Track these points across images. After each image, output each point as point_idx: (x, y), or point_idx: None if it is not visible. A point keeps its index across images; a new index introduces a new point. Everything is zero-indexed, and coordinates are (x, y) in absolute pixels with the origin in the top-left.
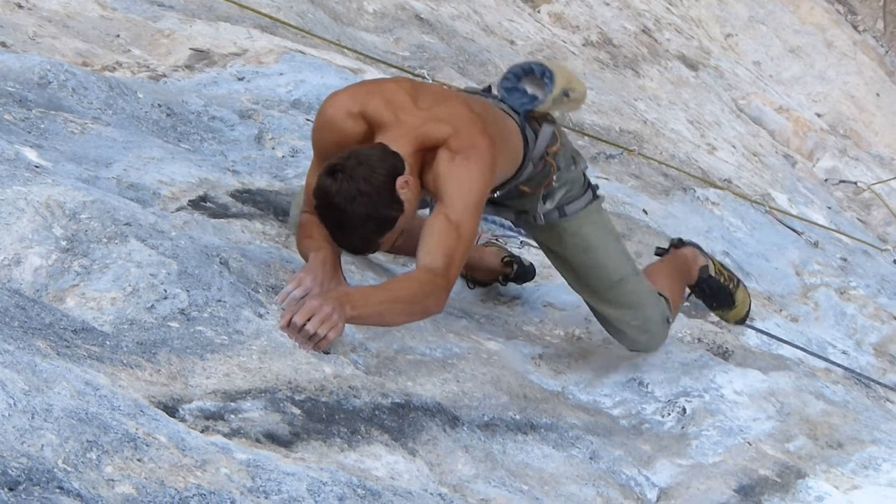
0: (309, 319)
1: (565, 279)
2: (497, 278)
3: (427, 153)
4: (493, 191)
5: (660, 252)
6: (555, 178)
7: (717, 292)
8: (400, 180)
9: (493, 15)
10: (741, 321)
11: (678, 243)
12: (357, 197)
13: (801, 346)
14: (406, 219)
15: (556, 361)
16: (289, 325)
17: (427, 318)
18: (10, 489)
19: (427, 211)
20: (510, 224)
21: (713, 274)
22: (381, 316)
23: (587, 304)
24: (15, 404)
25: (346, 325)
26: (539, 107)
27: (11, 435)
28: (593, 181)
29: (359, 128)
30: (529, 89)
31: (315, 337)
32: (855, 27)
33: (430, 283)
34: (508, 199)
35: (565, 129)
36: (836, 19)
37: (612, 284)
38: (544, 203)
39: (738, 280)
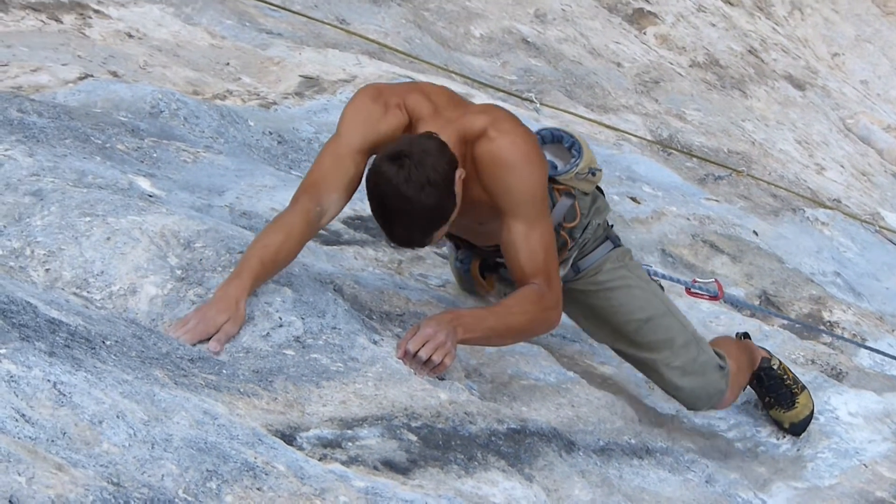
0: (423, 346)
1: (598, 336)
2: None
3: (467, 146)
4: (500, 254)
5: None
6: (566, 252)
7: (777, 388)
8: (459, 171)
9: (599, 37)
10: (798, 428)
11: (744, 336)
12: (426, 186)
13: None
14: (455, 215)
15: None
16: (405, 354)
17: (541, 342)
18: None
19: None
20: None
21: (775, 368)
22: (491, 340)
23: (626, 357)
24: (135, 434)
25: (457, 350)
26: (561, 176)
27: (132, 465)
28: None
29: (396, 120)
30: (548, 155)
31: (430, 363)
32: None
33: (539, 303)
34: None
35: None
36: None
37: (640, 325)
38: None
39: (804, 387)
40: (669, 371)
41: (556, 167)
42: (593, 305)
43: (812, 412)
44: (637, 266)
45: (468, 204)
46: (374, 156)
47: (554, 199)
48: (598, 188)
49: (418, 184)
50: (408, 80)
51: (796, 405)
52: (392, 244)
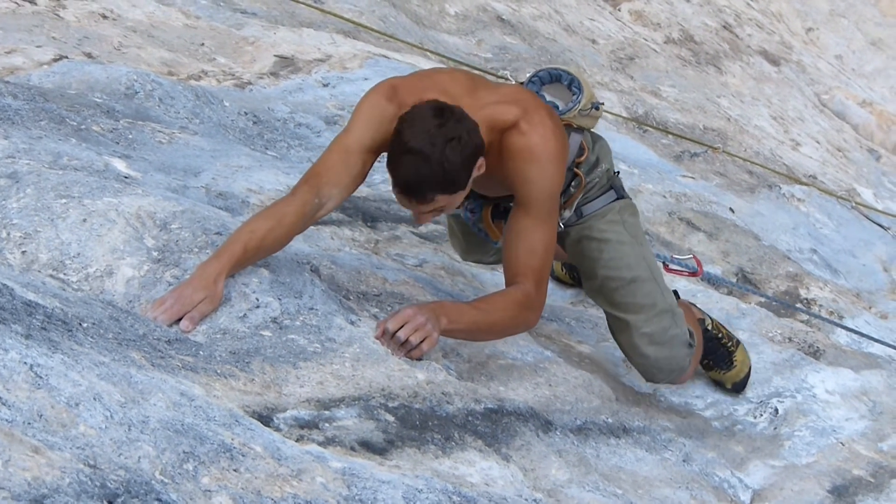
0: (402, 327)
1: (584, 287)
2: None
3: (494, 133)
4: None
5: None
6: (578, 193)
7: (714, 349)
8: (480, 160)
9: (574, 14)
10: (739, 386)
11: (675, 296)
12: (454, 142)
13: (893, 343)
14: (459, 198)
15: None
16: (383, 334)
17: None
18: (110, 502)
19: None
20: None
21: (710, 328)
22: (472, 334)
23: (605, 312)
24: (112, 416)
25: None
26: (566, 114)
27: (109, 447)
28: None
29: None
30: (548, 97)
31: (407, 345)
32: None
33: (523, 305)
34: None
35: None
36: None
37: (622, 284)
38: (562, 211)
39: (738, 341)
40: (638, 335)
41: (557, 107)
42: (584, 253)
43: (750, 368)
44: (635, 225)
45: (487, 179)
46: (383, 153)
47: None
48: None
49: (448, 137)
50: (383, 58)
51: (734, 364)
52: (395, 188)
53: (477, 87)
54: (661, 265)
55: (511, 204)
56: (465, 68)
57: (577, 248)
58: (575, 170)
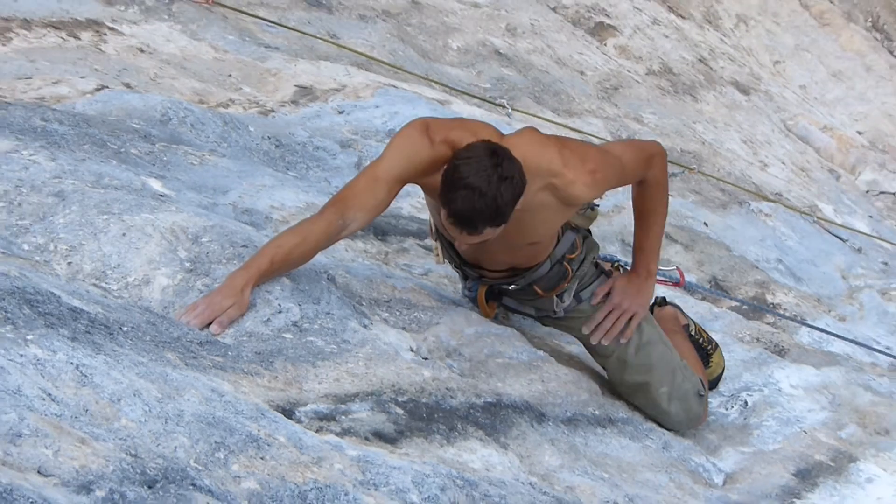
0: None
1: (598, 361)
2: None
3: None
4: (509, 284)
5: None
6: (566, 283)
7: (696, 350)
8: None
9: (564, 49)
10: (713, 383)
11: (662, 302)
12: (507, 181)
13: (852, 341)
14: (501, 230)
15: None
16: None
17: (514, 327)
18: (149, 487)
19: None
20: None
21: (693, 334)
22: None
23: (621, 383)
24: (150, 411)
25: (439, 333)
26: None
27: (148, 438)
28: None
29: (439, 152)
30: None
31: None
32: (891, 52)
33: (654, 165)
34: (526, 300)
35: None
36: (874, 45)
37: (637, 350)
38: (560, 300)
39: (717, 345)
40: (658, 395)
41: None
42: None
43: (724, 368)
44: None
45: (501, 237)
46: (411, 182)
47: (557, 234)
48: (588, 230)
49: (503, 176)
50: (392, 88)
51: (711, 364)
52: (450, 219)
53: (495, 132)
54: None
55: (504, 286)
56: (466, 97)
57: (588, 336)
58: (564, 263)
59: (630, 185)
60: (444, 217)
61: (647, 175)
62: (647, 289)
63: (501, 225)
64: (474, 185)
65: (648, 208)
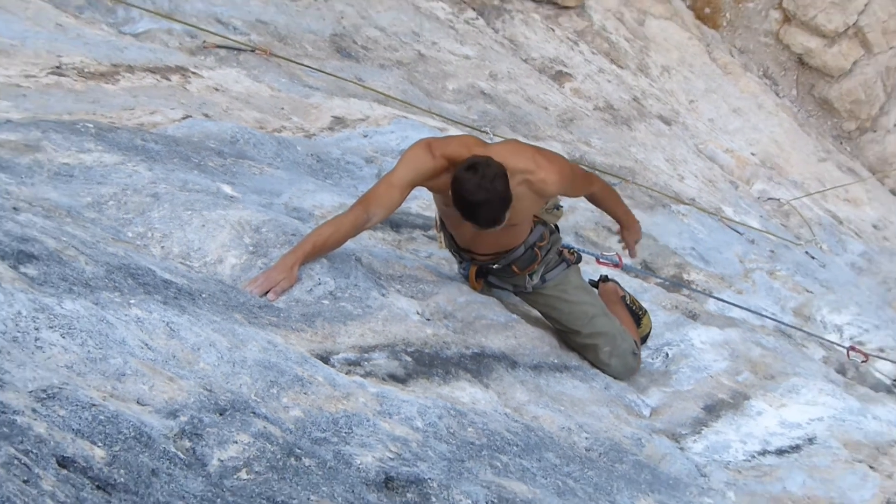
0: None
1: (556, 328)
2: None
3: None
4: (494, 264)
5: (594, 283)
6: (536, 265)
7: (630, 314)
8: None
9: (533, 90)
10: (643, 339)
11: (605, 279)
12: (496, 179)
13: (746, 308)
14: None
15: None
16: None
17: (495, 297)
18: (220, 414)
19: None
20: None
21: (628, 303)
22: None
23: (575, 343)
24: (222, 357)
25: (438, 301)
26: (537, 212)
27: (220, 377)
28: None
29: (438, 163)
30: None
31: None
32: (777, 94)
33: (593, 180)
34: (505, 277)
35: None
36: (764, 89)
37: (587, 320)
38: (531, 279)
39: (646, 311)
40: (603, 352)
41: None
42: (554, 307)
43: (651, 329)
44: (580, 279)
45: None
46: (418, 186)
47: (530, 226)
48: (555, 225)
49: (490, 178)
50: (403, 118)
51: (641, 325)
52: (477, 227)
53: (481, 144)
54: (594, 259)
55: (493, 265)
56: (460, 126)
57: (547, 304)
58: (535, 249)
59: (592, 204)
60: (473, 227)
61: (594, 189)
62: (639, 226)
63: (508, 210)
64: (482, 200)
65: (610, 203)
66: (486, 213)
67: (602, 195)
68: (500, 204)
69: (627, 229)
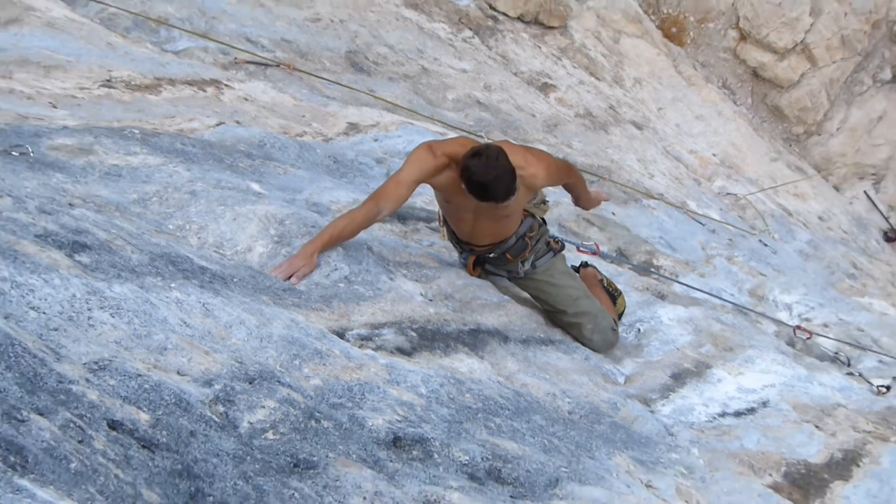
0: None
1: (544, 308)
2: None
3: None
4: (490, 253)
5: (575, 268)
6: (527, 253)
7: (608, 296)
8: None
9: (522, 99)
10: (619, 317)
11: (585, 265)
12: (500, 156)
13: (707, 291)
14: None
15: None
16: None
17: (489, 281)
18: (250, 383)
19: None
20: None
21: (605, 285)
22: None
23: (561, 322)
24: (251, 333)
25: (440, 284)
26: (526, 206)
27: (250, 351)
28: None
29: (439, 162)
30: None
31: None
32: (735, 102)
33: (572, 172)
34: (500, 264)
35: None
36: (723, 97)
37: (572, 301)
38: (523, 265)
39: (621, 292)
40: (586, 329)
41: None
42: (543, 290)
43: (625, 307)
44: (565, 266)
45: (492, 211)
46: (422, 183)
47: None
48: (543, 219)
49: (494, 157)
50: (409, 124)
51: (616, 304)
52: (494, 203)
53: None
54: (574, 247)
55: (490, 255)
56: (458, 130)
57: (537, 288)
58: (525, 238)
59: (565, 190)
60: (487, 203)
61: (571, 180)
62: (595, 201)
63: (517, 176)
64: (493, 177)
65: (580, 189)
66: (499, 186)
67: (575, 183)
68: (509, 176)
69: (586, 202)
